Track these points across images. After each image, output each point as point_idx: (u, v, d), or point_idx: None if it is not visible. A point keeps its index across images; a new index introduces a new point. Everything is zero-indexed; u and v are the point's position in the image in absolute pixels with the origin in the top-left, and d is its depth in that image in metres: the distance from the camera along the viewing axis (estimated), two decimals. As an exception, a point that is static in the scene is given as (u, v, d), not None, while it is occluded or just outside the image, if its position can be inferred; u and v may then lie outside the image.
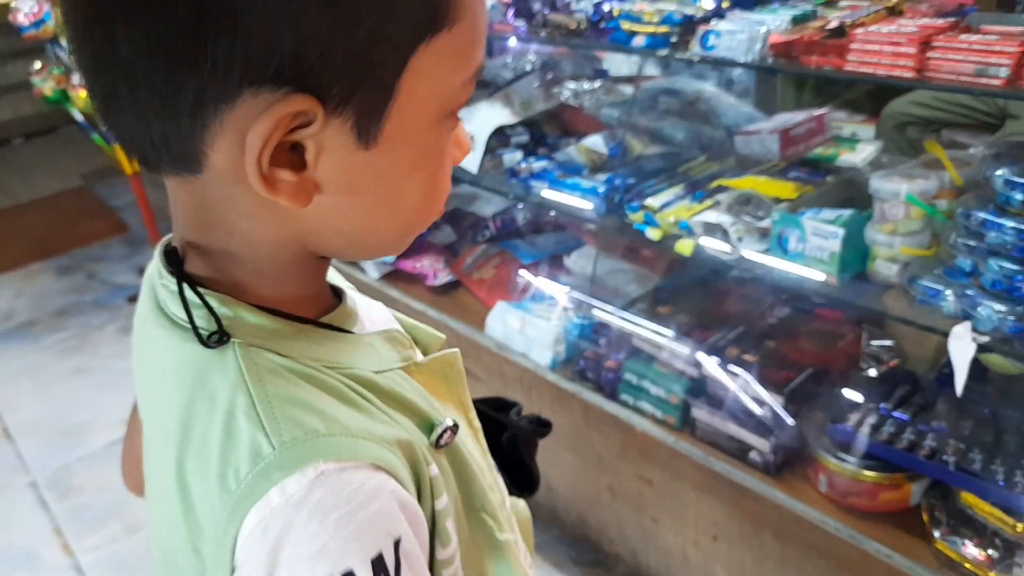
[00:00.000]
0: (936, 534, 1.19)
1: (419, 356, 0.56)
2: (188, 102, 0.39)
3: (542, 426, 0.75)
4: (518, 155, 1.81)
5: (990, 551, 1.14)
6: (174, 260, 0.47)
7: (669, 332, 1.49)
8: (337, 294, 0.56)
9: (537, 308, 1.75)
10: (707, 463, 1.40)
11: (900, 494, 1.25)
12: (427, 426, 0.51)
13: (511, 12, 1.69)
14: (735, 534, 1.42)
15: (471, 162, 1.80)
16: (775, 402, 1.34)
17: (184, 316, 0.45)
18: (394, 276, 2.07)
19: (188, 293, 0.45)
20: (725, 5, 1.46)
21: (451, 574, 0.51)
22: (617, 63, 1.99)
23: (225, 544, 0.42)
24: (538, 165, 1.73)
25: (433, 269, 2.02)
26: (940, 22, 1.21)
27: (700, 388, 1.44)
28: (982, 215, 1.12)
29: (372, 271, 2.08)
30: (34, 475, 2.32)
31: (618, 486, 1.62)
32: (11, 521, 2.16)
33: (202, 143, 0.41)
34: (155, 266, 0.50)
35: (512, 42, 1.99)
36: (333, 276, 0.60)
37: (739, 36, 1.33)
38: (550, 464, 1.80)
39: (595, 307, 1.64)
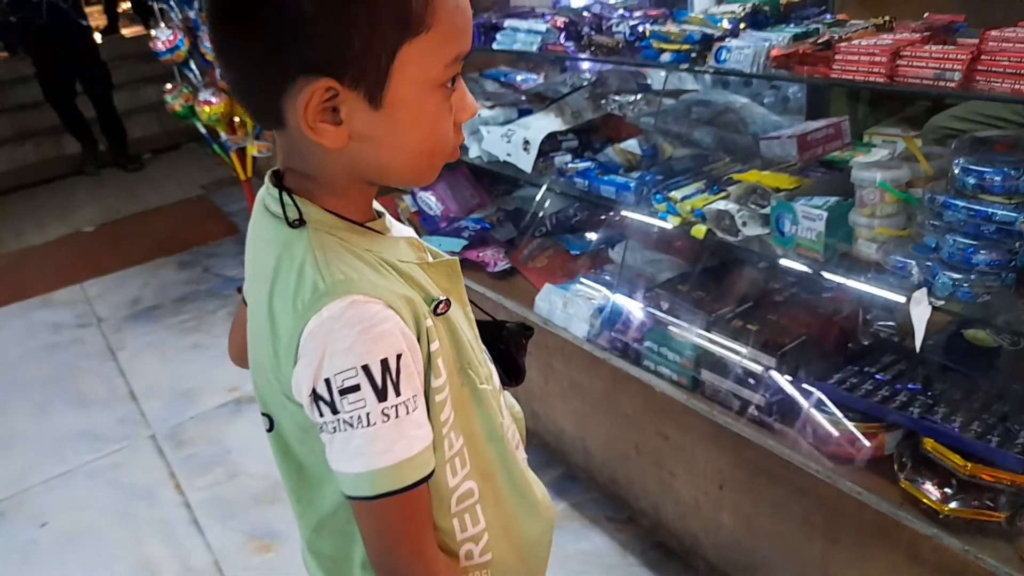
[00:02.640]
0: (901, 476, 1.36)
1: (430, 259, 0.84)
2: (271, 85, 0.68)
3: (526, 329, 1.01)
4: (567, 157, 2.08)
5: (946, 489, 1.30)
6: (277, 177, 0.77)
7: (684, 307, 1.72)
8: (380, 215, 0.85)
9: (577, 289, 2.00)
10: (712, 417, 1.61)
11: (876, 443, 1.43)
12: (429, 299, 0.77)
13: (563, 35, 1.97)
14: (737, 481, 1.61)
15: (525, 163, 2.09)
16: (771, 363, 1.55)
17: (280, 210, 0.74)
18: (461, 264, 2.36)
19: (284, 196, 0.75)
20: (742, 26, 1.70)
21: (442, 399, 0.77)
22: (661, 79, 2.24)
23: (293, 342, 0.70)
24: (582, 165, 2.00)
25: (494, 259, 2.31)
26: (917, 36, 1.41)
27: (709, 354, 1.66)
28: (942, 198, 1.31)
29: (442, 260, 2.39)
30: (154, 429, 2.73)
31: (642, 443, 1.84)
32: (134, 466, 2.56)
33: (280, 109, 0.70)
34: (265, 184, 0.80)
35: (565, 62, 2.27)
36: (379, 207, 0.89)
37: (746, 51, 1.56)
38: (587, 429, 2.04)
39: (624, 288, 1.88)
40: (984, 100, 1.67)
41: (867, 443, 1.42)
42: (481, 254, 2.32)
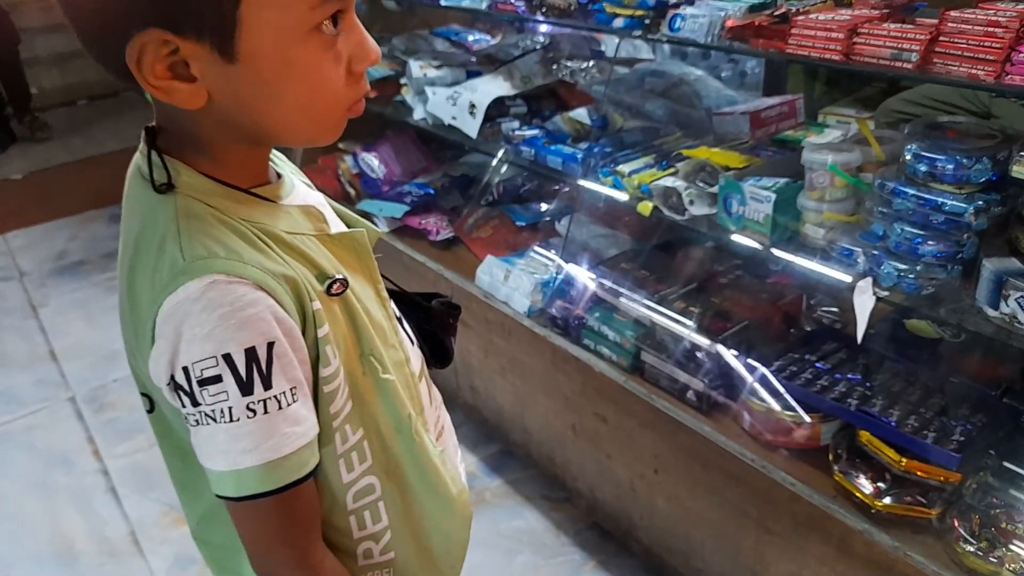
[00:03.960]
0: (836, 468, 1.33)
1: (331, 230, 0.75)
2: (110, 42, 0.58)
3: (452, 308, 0.93)
4: (515, 124, 1.99)
5: (879, 484, 1.28)
6: (149, 136, 0.67)
7: (627, 286, 1.66)
8: (279, 178, 0.75)
9: (520, 263, 1.93)
10: (651, 400, 1.56)
11: (812, 433, 1.40)
12: (323, 277, 0.69)
13: (514, -7, 1.87)
14: (673, 466, 1.58)
15: (471, 128, 1.99)
16: (710, 348, 1.50)
17: (148, 172, 0.64)
18: (401, 231, 2.27)
19: (153, 156, 0.65)
20: (699, -8, 1.62)
21: (332, 389, 0.69)
22: (614, 46, 2.15)
23: (149, 322, 0.61)
24: (529, 133, 1.91)
25: (437, 226, 2.22)
26: (875, 13, 1.35)
27: (650, 335, 1.61)
28: (892, 184, 1.26)
29: (382, 225, 2.28)
30: (74, 391, 2.59)
31: (579, 424, 1.79)
32: (51, 429, 2.43)
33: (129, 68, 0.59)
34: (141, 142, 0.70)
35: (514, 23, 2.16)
36: (287, 169, 0.80)
37: (701, 20, 1.49)
38: (526, 407, 1.99)
39: (569, 263, 1.82)
40: (940, 84, 1.63)
41: (802, 433, 1.39)
42: (423, 221, 2.23)
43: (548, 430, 1.94)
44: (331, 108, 0.65)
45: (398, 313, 0.86)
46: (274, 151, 0.76)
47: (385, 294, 0.82)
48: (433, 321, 0.91)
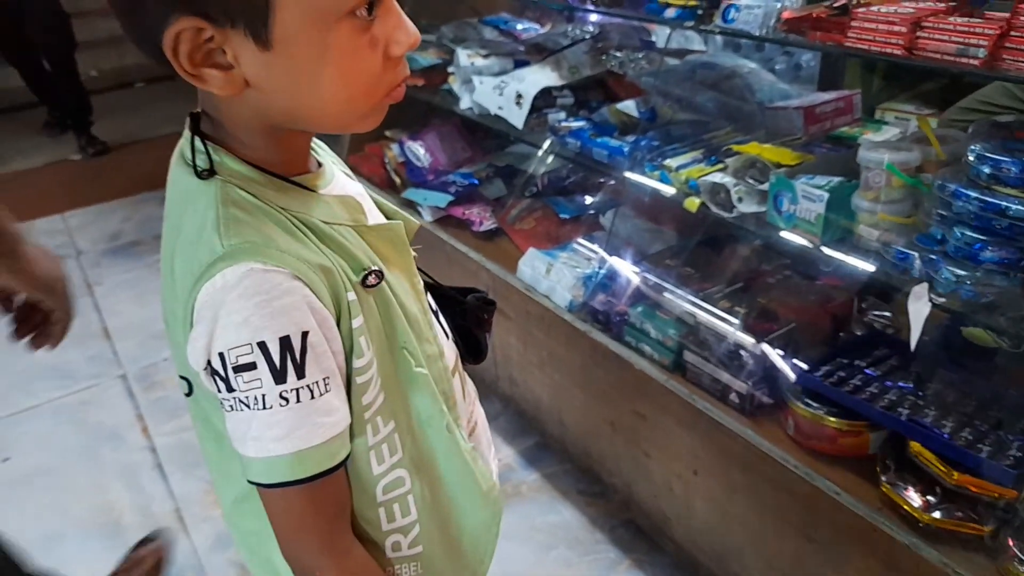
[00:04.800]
0: (883, 478, 1.29)
1: (369, 221, 0.74)
2: (149, 29, 0.58)
3: (487, 303, 0.92)
4: (561, 115, 1.96)
5: (929, 497, 1.24)
6: (194, 121, 0.67)
7: (671, 282, 1.63)
8: (320, 166, 0.75)
9: (563, 256, 1.91)
10: (692, 400, 1.53)
11: (859, 441, 1.35)
12: (359, 268, 0.68)
13: (564, -19, 1.84)
14: (712, 468, 1.55)
15: (517, 118, 1.97)
16: (755, 349, 1.46)
17: (191, 157, 0.65)
18: (445, 220, 2.26)
19: (196, 142, 0.65)
20: (755, -17, 1.57)
21: (364, 380, 0.69)
22: (665, 36, 2.11)
23: (188, 307, 0.62)
24: (576, 124, 1.88)
25: (480, 217, 2.21)
26: (941, 5, 1.29)
27: (693, 334, 1.57)
28: (953, 186, 1.20)
29: (427, 215, 2.29)
30: (125, 369, 2.66)
31: (617, 420, 1.77)
32: (102, 405, 2.50)
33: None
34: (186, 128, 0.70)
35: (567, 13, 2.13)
36: (328, 158, 0.79)
37: (756, 11, 1.44)
38: (564, 401, 1.98)
39: (612, 258, 1.79)
40: (1009, 81, 1.55)
41: (849, 441, 1.35)
42: (467, 211, 2.22)
43: (585, 425, 1.92)
44: (368, 94, 0.64)
45: (434, 306, 0.85)
46: (315, 140, 0.76)
47: (421, 287, 0.81)
48: (468, 316, 0.90)
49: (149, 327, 2.87)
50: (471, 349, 0.92)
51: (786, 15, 1.40)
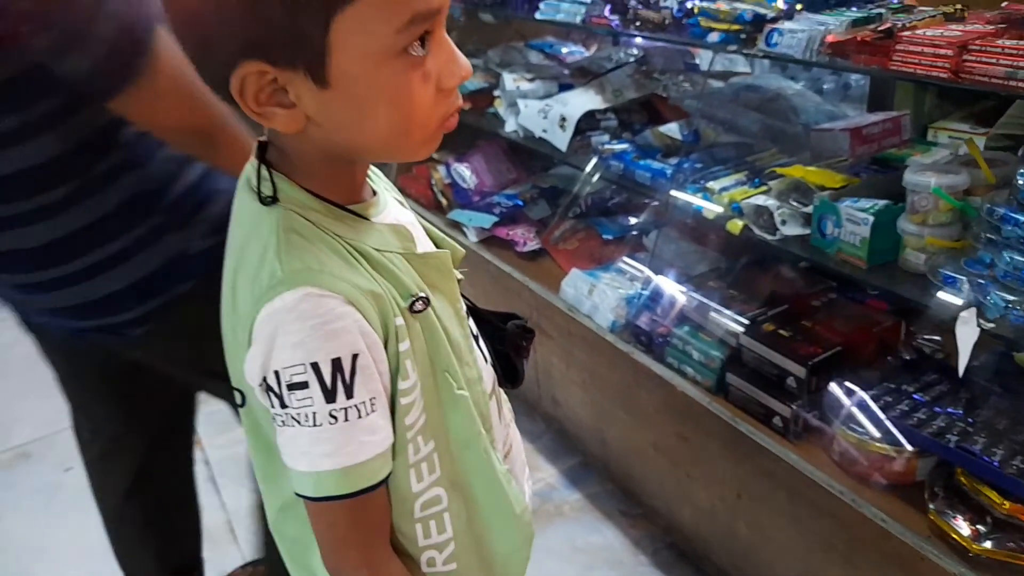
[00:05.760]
0: (932, 506, 1.27)
1: (418, 249, 0.78)
2: (217, 74, 0.62)
3: (526, 331, 0.94)
4: (605, 137, 1.99)
5: (979, 526, 1.21)
6: (261, 150, 0.72)
7: (714, 304, 1.63)
8: (375, 194, 0.79)
9: (606, 277, 1.92)
10: (734, 423, 1.53)
11: (906, 468, 1.33)
12: (407, 295, 0.71)
13: (608, 8, 1.87)
14: (756, 492, 1.54)
15: (561, 141, 2.00)
16: (800, 373, 1.46)
17: (256, 184, 0.69)
18: (489, 241, 2.30)
19: (262, 170, 0.69)
20: (798, 7, 1.58)
21: (408, 402, 0.72)
22: (708, 59, 2.12)
23: (247, 327, 0.65)
24: (619, 147, 1.90)
25: (524, 238, 2.24)
26: (989, 28, 1.28)
27: (736, 356, 1.57)
28: (1002, 210, 1.19)
29: (472, 235, 2.33)
30: (182, 383, 2.76)
31: (659, 442, 1.77)
32: (161, 418, 2.60)
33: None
34: (252, 155, 0.74)
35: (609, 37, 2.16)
36: (383, 186, 0.83)
37: (799, 35, 1.45)
38: (606, 422, 1.98)
39: (655, 279, 1.80)
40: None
41: (896, 468, 1.33)
42: (511, 232, 2.26)
43: (627, 446, 1.92)
44: (422, 125, 0.66)
45: (474, 331, 0.88)
46: (372, 168, 0.80)
47: (464, 313, 0.84)
48: (507, 343, 0.92)
49: (204, 343, 2.96)
50: (508, 374, 0.94)
51: (830, 39, 1.40)
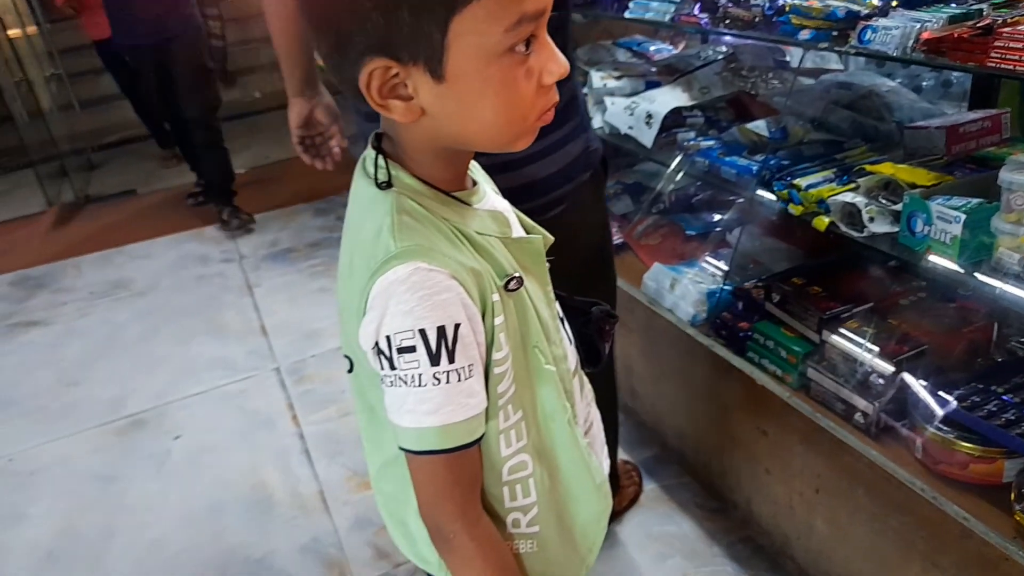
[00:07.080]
0: (1018, 507, 1.25)
1: (514, 234, 0.85)
2: (348, 69, 0.70)
3: (610, 316, 1.00)
4: (691, 135, 2.01)
5: (1068, 530, 1.19)
6: (378, 140, 0.80)
7: (797, 301, 1.64)
8: (475, 184, 0.86)
9: (689, 272, 1.95)
10: (815, 419, 1.53)
11: (992, 468, 1.31)
12: (503, 274, 0.79)
13: (698, 6, 1.89)
14: (835, 488, 1.54)
15: (647, 138, 2.04)
16: (884, 370, 1.45)
17: (373, 171, 0.77)
18: (573, 235, 2.35)
19: (379, 159, 0.78)
20: (894, 4, 1.56)
21: (501, 371, 0.79)
22: (798, 55, 2.10)
23: (363, 296, 0.74)
24: (705, 144, 1.92)
25: (607, 232, 2.28)
26: (1096, 24, 1.24)
27: (819, 352, 1.58)
28: (1103, 210, 1.16)
29: (556, 229, 2.38)
30: (279, 363, 2.94)
31: (738, 436, 1.79)
32: (258, 394, 2.77)
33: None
34: (369, 145, 0.83)
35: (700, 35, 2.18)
36: (481, 177, 0.90)
37: (893, 32, 1.44)
38: (684, 414, 2.01)
39: (737, 275, 1.82)
40: None
41: (981, 468, 1.32)
42: (595, 226, 2.30)
43: (706, 439, 1.95)
44: (523, 118, 0.73)
45: (561, 314, 0.95)
46: (472, 162, 0.88)
47: (552, 296, 0.91)
48: (591, 326, 0.99)
49: (301, 326, 3.14)
50: (590, 356, 1.00)
51: (925, 35, 1.39)
